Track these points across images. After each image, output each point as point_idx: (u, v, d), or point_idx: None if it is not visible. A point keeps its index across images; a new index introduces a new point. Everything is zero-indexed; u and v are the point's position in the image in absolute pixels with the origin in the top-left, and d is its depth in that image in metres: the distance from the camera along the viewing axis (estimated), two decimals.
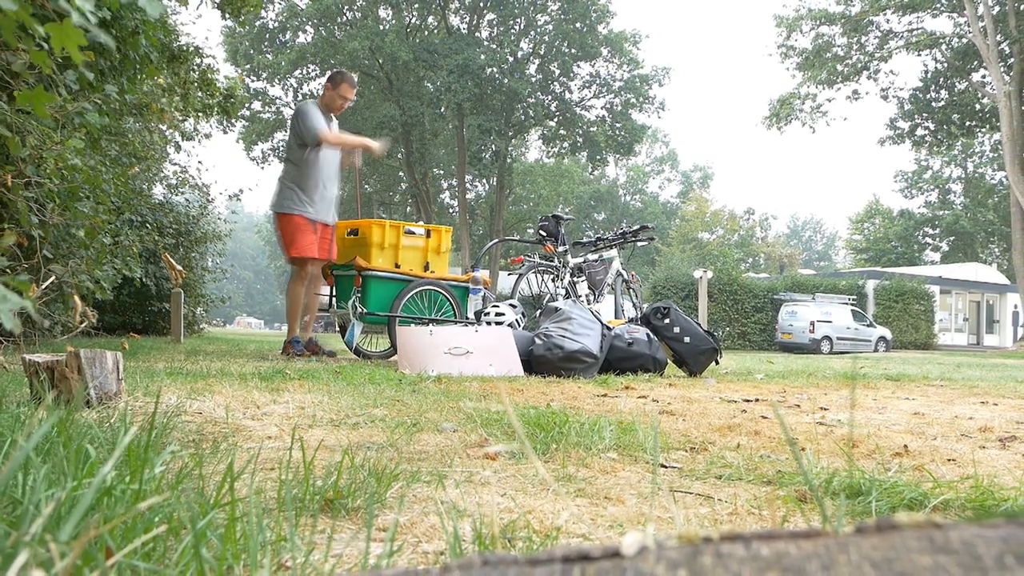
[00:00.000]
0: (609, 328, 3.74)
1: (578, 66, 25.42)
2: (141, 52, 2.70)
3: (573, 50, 24.74)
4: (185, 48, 4.97)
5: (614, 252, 5.38)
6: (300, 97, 26.00)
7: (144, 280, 6.93)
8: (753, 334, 18.34)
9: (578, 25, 24.29)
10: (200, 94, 5.64)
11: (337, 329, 5.54)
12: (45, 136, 2.32)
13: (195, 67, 5.49)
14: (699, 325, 4.03)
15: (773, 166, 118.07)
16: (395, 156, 26.90)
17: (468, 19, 26.17)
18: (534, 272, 4.90)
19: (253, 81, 24.06)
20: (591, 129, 25.54)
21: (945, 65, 22.14)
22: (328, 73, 5.17)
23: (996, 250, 37.54)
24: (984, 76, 21.02)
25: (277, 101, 25.79)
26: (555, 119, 25.85)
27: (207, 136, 9.65)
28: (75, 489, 0.65)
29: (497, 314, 4.19)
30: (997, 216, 34.21)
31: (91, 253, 2.92)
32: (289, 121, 4.60)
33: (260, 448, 1.26)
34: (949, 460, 1.39)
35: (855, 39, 21.72)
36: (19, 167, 2.28)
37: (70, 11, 0.96)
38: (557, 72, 25.35)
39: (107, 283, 3.11)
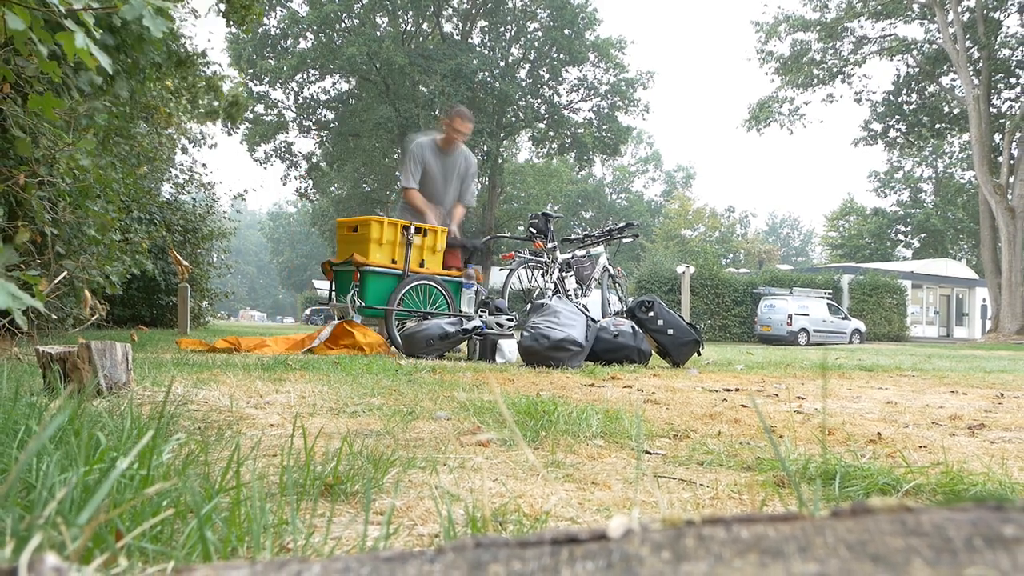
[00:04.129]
0: (594, 320, 3.79)
1: (566, 70, 25.72)
2: (149, 58, 2.68)
3: (561, 55, 25.00)
4: (192, 53, 4.92)
5: (601, 248, 5.45)
6: (300, 100, 25.97)
7: (156, 275, 6.90)
8: (733, 327, 18.60)
9: (566, 31, 24.54)
10: (207, 98, 5.58)
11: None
12: (57, 137, 2.30)
13: (201, 72, 5.44)
14: (682, 318, 4.10)
15: (752, 166, 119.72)
16: (391, 156, 26.87)
17: (461, 26, 26.33)
18: (524, 267, 4.94)
19: (256, 85, 24.07)
20: (578, 131, 25.81)
21: (916, 69, 22.58)
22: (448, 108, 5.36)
23: (965, 246, 38.50)
24: (953, 80, 21.49)
25: (279, 104, 25.90)
26: (544, 121, 26.11)
27: (212, 141, 9.65)
28: (86, 475, 0.66)
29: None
30: (966, 214, 35.00)
31: (102, 249, 2.90)
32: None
33: (263, 435, 1.28)
34: (920, 447, 1.42)
35: (831, 44, 22.06)
36: (32, 167, 2.26)
37: (75, 29, 0.97)
38: (546, 76, 25.61)
39: (117, 278, 3.09)
